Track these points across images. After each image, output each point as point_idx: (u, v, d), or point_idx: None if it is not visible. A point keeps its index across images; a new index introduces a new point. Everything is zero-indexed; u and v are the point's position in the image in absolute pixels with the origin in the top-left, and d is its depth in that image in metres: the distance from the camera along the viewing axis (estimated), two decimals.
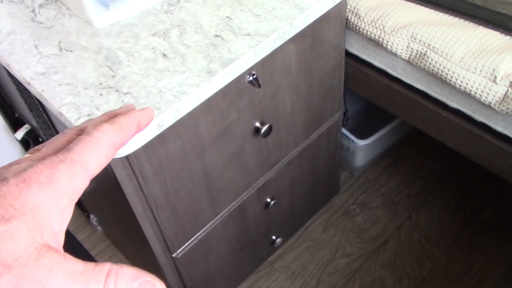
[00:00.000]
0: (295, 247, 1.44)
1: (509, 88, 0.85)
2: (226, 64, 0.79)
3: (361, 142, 1.43)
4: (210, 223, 1.02)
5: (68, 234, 1.53)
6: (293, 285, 1.36)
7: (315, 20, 0.91)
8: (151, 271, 0.24)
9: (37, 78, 0.81)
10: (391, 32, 0.98)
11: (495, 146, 0.95)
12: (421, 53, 0.95)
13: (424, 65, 0.96)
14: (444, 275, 1.33)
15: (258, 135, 0.96)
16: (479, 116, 0.94)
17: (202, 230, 1.01)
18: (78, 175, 0.24)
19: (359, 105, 1.58)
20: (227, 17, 0.88)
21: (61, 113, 0.76)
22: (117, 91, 0.78)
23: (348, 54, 1.13)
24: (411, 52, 0.97)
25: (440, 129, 1.05)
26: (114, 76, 0.80)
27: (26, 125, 1.39)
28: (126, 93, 0.77)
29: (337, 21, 0.99)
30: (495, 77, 0.85)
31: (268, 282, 1.37)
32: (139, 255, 1.17)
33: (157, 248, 0.95)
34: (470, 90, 0.90)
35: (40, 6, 0.97)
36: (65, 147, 0.25)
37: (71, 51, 0.86)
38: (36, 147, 0.26)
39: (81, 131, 0.26)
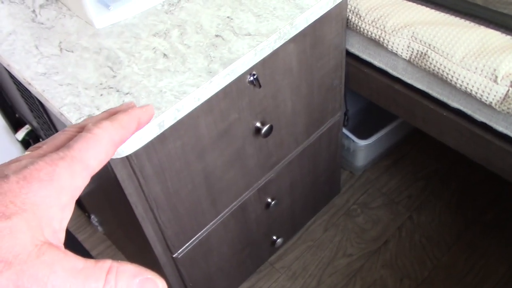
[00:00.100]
0: (296, 247, 1.43)
1: (510, 88, 0.84)
2: (227, 64, 0.79)
3: (361, 142, 1.43)
4: (210, 223, 1.02)
5: (69, 234, 1.53)
6: (294, 285, 1.36)
7: (315, 20, 0.91)
8: (152, 270, 0.24)
9: (37, 78, 0.81)
10: (392, 32, 0.98)
11: (496, 146, 0.95)
12: (422, 53, 0.95)
13: (425, 65, 0.96)
14: (445, 275, 1.33)
15: (259, 135, 0.96)
16: (480, 116, 0.94)
17: (203, 230, 1.01)
18: (79, 172, 0.24)
19: (359, 105, 1.58)
20: (228, 17, 0.88)
21: (61, 114, 0.76)
22: (117, 91, 0.78)
23: (349, 54, 1.13)
24: (412, 52, 0.97)
25: (441, 129, 1.05)
26: (114, 76, 0.80)
27: (27, 126, 1.39)
28: (127, 93, 0.77)
29: (337, 21, 0.99)
30: (496, 77, 0.85)
31: (269, 282, 1.37)
32: (140, 255, 1.17)
33: (157, 248, 0.95)
34: (471, 90, 0.89)
35: (41, 6, 0.97)
36: (65, 145, 0.25)
37: (72, 52, 0.86)
38: (37, 144, 0.26)
39: (82, 129, 0.26)
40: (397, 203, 1.50)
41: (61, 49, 0.86)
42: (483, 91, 0.88)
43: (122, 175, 0.78)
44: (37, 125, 1.20)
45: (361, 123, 1.57)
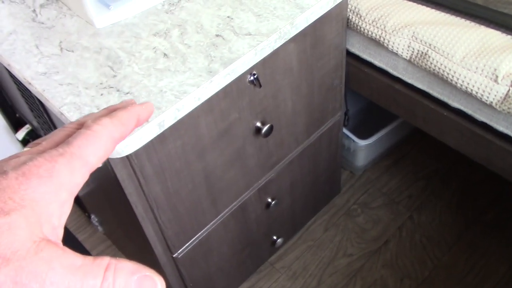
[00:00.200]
0: (296, 247, 1.43)
1: (511, 88, 0.84)
2: (227, 64, 0.79)
3: (362, 142, 1.43)
4: (211, 223, 1.02)
5: (69, 234, 1.53)
6: (294, 285, 1.36)
7: (316, 20, 0.91)
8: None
9: (38, 78, 0.81)
10: (392, 31, 0.98)
11: (497, 146, 0.95)
12: (422, 52, 0.95)
13: (425, 64, 0.95)
14: (446, 275, 1.33)
15: (259, 135, 0.96)
16: (480, 116, 0.94)
17: (203, 230, 1.01)
18: (78, 169, 0.24)
19: (360, 105, 1.58)
20: (228, 17, 0.88)
21: (61, 113, 0.76)
22: (118, 91, 0.78)
23: (349, 53, 1.13)
24: (412, 51, 0.97)
25: (442, 129, 1.05)
26: (115, 76, 0.80)
27: (27, 125, 1.39)
28: (127, 93, 0.77)
29: (338, 21, 0.99)
30: (497, 76, 0.85)
31: (269, 282, 1.37)
32: (140, 255, 1.17)
33: (158, 248, 0.95)
34: (472, 90, 0.89)
35: (41, 6, 0.97)
36: (64, 141, 0.25)
37: (72, 51, 0.86)
38: (36, 141, 0.26)
39: (81, 125, 0.26)
40: (397, 203, 1.50)
41: (61, 49, 0.86)
42: (484, 91, 0.88)
43: (122, 175, 0.78)
44: (38, 125, 1.20)
45: (361, 123, 1.57)
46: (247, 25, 0.85)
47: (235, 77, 0.81)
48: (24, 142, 1.44)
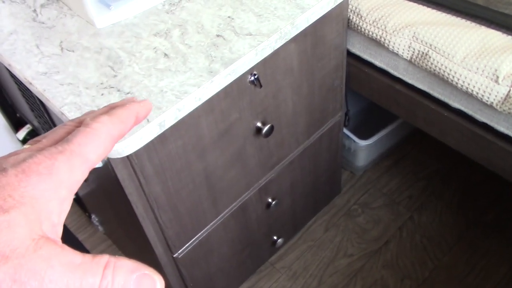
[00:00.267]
0: (296, 247, 1.43)
1: (511, 88, 0.84)
2: (228, 64, 0.79)
3: (362, 142, 1.43)
4: (211, 223, 1.02)
5: (70, 234, 1.53)
6: (295, 285, 1.36)
7: (316, 20, 0.91)
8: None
9: (38, 78, 0.81)
10: (393, 32, 0.98)
11: (497, 146, 0.95)
12: (423, 53, 0.95)
13: (426, 65, 0.95)
14: (446, 276, 1.33)
15: (260, 135, 0.96)
16: (481, 116, 0.94)
17: (204, 230, 1.01)
18: (77, 166, 0.24)
19: (360, 105, 1.58)
20: (229, 17, 0.88)
21: (62, 113, 0.76)
22: (118, 91, 0.78)
23: (350, 54, 1.13)
24: (413, 52, 0.97)
25: (442, 129, 1.05)
26: (115, 76, 0.80)
27: (28, 125, 1.39)
28: (128, 93, 0.77)
29: (338, 21, 0.99)
30: (497, 77, 0.85)
31: (270, 282, 1.37)
32: (140, 255, 1.17)
33: (158, 248, 0.95)
34: (472, 90, 0.89)
35: (42, 6, 0.97)
36: (64, 139, 0.25)
37: (73, 51, 0.86)
38: (36, 138, 0.26)
39: (80, 123, 0.26)
40: (398, 203, 1.50)
41: (62, 49, 0.86)
42: (484, 92, 0.88)
43: (123, 175, 0.78)
44: (38, 125, 1.20)
45: (362, 123, 1.57)
46: (247, 25, 0.85)
47: (236, 77, 0.81)
48: (25, 142, 1.44)
